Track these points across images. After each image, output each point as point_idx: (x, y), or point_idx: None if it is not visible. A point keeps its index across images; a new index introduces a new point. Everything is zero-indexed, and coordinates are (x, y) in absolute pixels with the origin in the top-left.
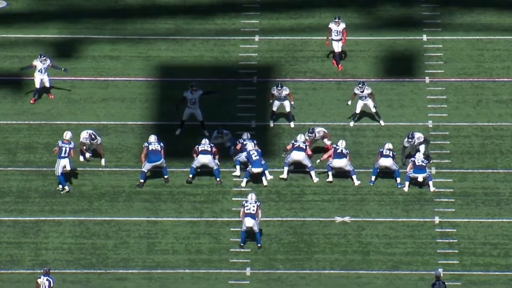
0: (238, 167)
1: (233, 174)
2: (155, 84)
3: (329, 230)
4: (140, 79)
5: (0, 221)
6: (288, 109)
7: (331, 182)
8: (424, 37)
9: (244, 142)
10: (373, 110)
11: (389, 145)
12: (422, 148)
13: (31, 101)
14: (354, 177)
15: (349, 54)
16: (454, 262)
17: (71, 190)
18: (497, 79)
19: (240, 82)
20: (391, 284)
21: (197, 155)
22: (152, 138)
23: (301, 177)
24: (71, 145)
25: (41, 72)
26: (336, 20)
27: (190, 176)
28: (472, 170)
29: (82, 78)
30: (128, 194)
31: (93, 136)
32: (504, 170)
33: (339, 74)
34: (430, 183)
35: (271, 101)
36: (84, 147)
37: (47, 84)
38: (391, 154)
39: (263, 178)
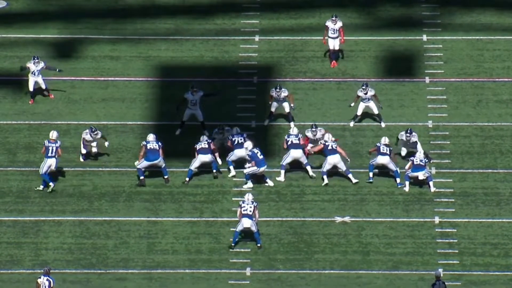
0: (231, 167)
1: (229, 176)
2: (155, 84)
3: (329, 230)
4: (140, 79)
5: (0, 221)
6: (287, 109)
7: (327, 183)
8: (424, 37)
9: (234, 139)
10: (376, 111)
11: (385, 140)
12: (419, 147)
13: (30, 102)
14: (350, 176)
15: (349, 54)
16: (454, 262)
17: (54, 187)
18: (497, 79)
19: (240, 82)
20: (391, 284)
21: (197, 155)
22: (151, 137)
23: (301, 177)
24: (58, 144)
25: (34, 74)
26: (333, 18)
27: (187, 179)
28: (472, 170)
29: (82, 78)
30: (128, 194)
31: (93, 129)
32: (504, 170)
33: (339, 74)
34: (431, 183)
35: (270, 102)
36: (87, 143)
37: (43, 86)
38: (388, 151)
39: (267, 179)
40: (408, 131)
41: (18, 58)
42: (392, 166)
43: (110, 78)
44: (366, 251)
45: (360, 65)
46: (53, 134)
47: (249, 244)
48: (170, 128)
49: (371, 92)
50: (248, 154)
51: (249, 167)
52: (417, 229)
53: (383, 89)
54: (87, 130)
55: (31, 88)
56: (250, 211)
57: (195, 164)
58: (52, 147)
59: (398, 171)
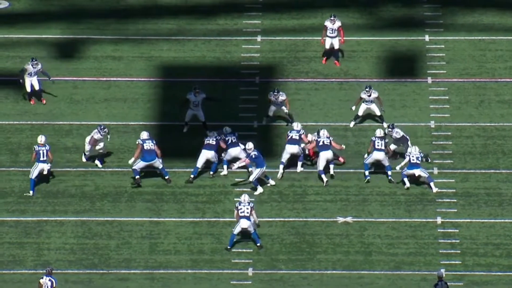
0: (225, 166)
1: (221, 174)
2: (157, 84)
3: (331, 231)
4: (142, 79)
5: (3, 221)
6: (286, 111)
7: (327, 181)
8: (426, 38)
9: (227, 138)
10: (378, 113)
11: (380, 132)
12: (410, 144)
13: (31, 102)
14: (331, 166)
15: (351, 55)
16: (456, 262)
17: (35, 195)
18: (499, 80)
19: (242, 82)
20: (393, 285)
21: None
22: (145, 134)
23: (304, 177)
24: (47, 148)
25: (31, 75)
26: (332, 18)
27: (192, 176)
28: (474, 170)
29: (84, 79)
30: (130, 194)
31: (102, 127)
32: (506, 171)
33: (341, 75)
34: (432, 184)
35: (270, 104)
36: (96, 143)
37: (37, 87)
38: (383, 146)
39: (270, 179)
40: (390, 126)
41: (20, 58)
42: (386, 162)
43: (112, 78)
44: (368, 252)
45: (362, 66)
46: (41, 139)
47: (250, 245)
48: (172, 128)
49: (374, 95)
50: (255, 154)
51: (238, 166)
52: (419, 230)
53: (385, 89)
54: (96, 130)
55: (28, 89)
56: (248, 212)
57: (200, 160)
58: (43, 150)
59: (391, 166)
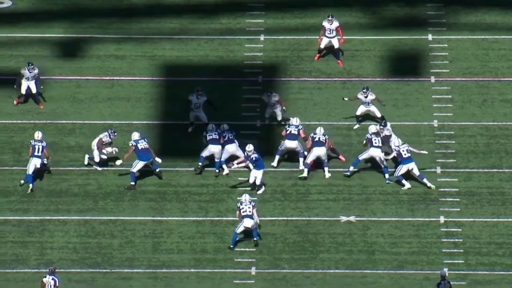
0: (224, 166)
1: (223, 174)
2: (160, 83)
3: (334, 230)
4: (145, 78)
5: (6, 220)
6: (279, 118)
7: (305, 178)
8: (429, 37)
9: (224, 135)
10: (378, 115)
11: (375, 129)
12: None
13: (14, 101)
14: (326, 169)
15: (354, 54)
16: (459, 261)
17: (33, 189)
18: (502, 79)
19: (245, 81)
20: (396, 284)
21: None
22: (136, 135)
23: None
24: (44, 144)
25: (28, 79)
26: (329, 18)
27: (200, 164)
28: (477, 169)
29: (87, 78)
30: (133, 193)
31: (113, 130)
32: (509, 170)
33: (344, 74)
34: (425, 180)
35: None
36: (103, 146)
37: (34, 91)
38: (379, 143)
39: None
40: (383, 124)
41: (24, 57)
42: (382, 162)
43: (115, 78)
44: (371, 251)
45: (365, 65)
46: (38, 135)
47: (253, 244)
48: (175, 127)
49: (371, 96)
50: (255, 157)
51: (237, 165)
52: (422, 229)
53: (388, 88)
54: (106, 133)
55: (23, 91)
56: (250, 211)
57: (205, 152)
58: (38, 145)
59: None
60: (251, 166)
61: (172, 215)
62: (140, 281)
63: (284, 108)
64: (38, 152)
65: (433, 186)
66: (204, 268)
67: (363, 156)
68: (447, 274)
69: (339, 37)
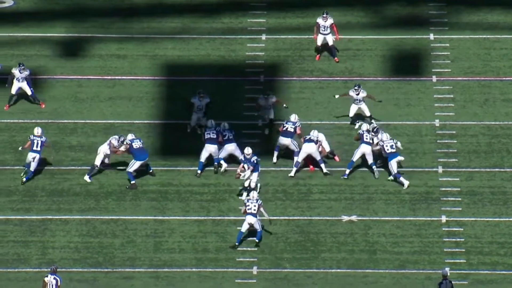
0: (222, 162)
1: (222, 170)
2: (161, 82)
3: (336, 229)
4: (147, 77)
5: (7, 219)
6: (271, 116)
7: (293, 176)
8: (431, 36)
9: (224, 133)
10: (368, 114)
11: (367, 126)
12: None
13: (5, 107)
14: (322, 165)
15: (356, 53)
16: (461, 261)
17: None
18: (504, 78)
19: (247, 81)
20: (397, 283)
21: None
22: (130, 136)
23: (308, 176)
24: (43, 139)
25: (19, 80)
26: (324, 15)
27: (199, 172)
28: (479, 169)
29: (89, 77)
30: (134, 192)
31: (122, 137)
32: (511, 169)
33: (346, 73)
34: (402, 179)
35: (257, 111)
36: (115, 148)
37: (29, 92)
38: (370, 141)
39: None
40: (375, 130)
41: (26, 57)
42: (370, 158)
43: (117, 77)
44: (373, 250)
45: (366, 64)
46: (38, 131)
47: (255, 244)
48: (176, 126)
49: (362, 94)
50: (256, 159)
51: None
52: (424, 228)
53: (390, 88)
54: (116, 136)
55: (13, 92)
56: (255, 209)
57: (204, 155)
58: (37, 140)
59: (374, 162)
60: (246, 167)
61: (173, 214)
62: (142, 280)
63: (285, 105)
64: (36, 147)
65: (406, 185)
66: (205, 267)
67: (356, 156)
68: (448, 274)
69: (334, 34)
